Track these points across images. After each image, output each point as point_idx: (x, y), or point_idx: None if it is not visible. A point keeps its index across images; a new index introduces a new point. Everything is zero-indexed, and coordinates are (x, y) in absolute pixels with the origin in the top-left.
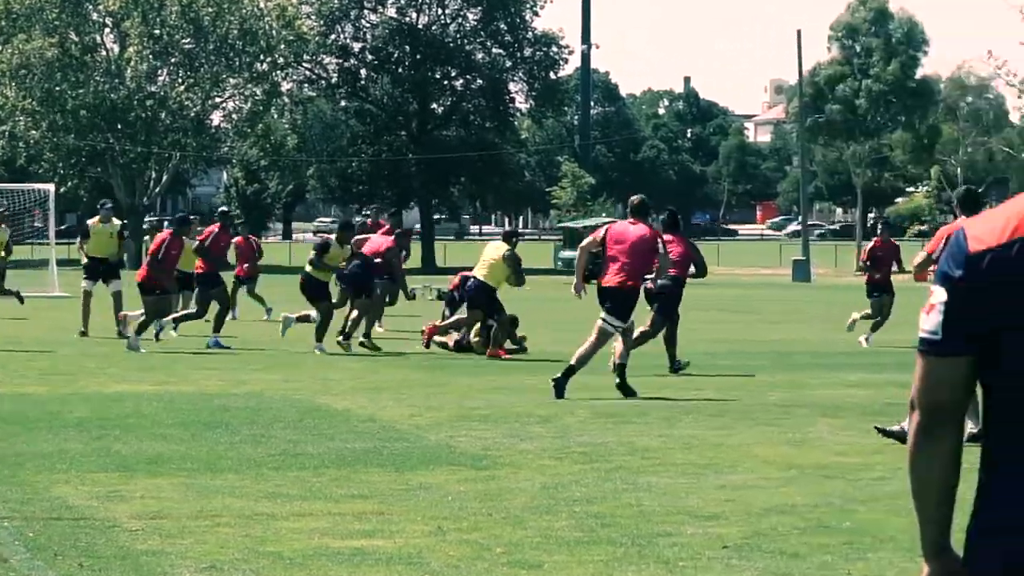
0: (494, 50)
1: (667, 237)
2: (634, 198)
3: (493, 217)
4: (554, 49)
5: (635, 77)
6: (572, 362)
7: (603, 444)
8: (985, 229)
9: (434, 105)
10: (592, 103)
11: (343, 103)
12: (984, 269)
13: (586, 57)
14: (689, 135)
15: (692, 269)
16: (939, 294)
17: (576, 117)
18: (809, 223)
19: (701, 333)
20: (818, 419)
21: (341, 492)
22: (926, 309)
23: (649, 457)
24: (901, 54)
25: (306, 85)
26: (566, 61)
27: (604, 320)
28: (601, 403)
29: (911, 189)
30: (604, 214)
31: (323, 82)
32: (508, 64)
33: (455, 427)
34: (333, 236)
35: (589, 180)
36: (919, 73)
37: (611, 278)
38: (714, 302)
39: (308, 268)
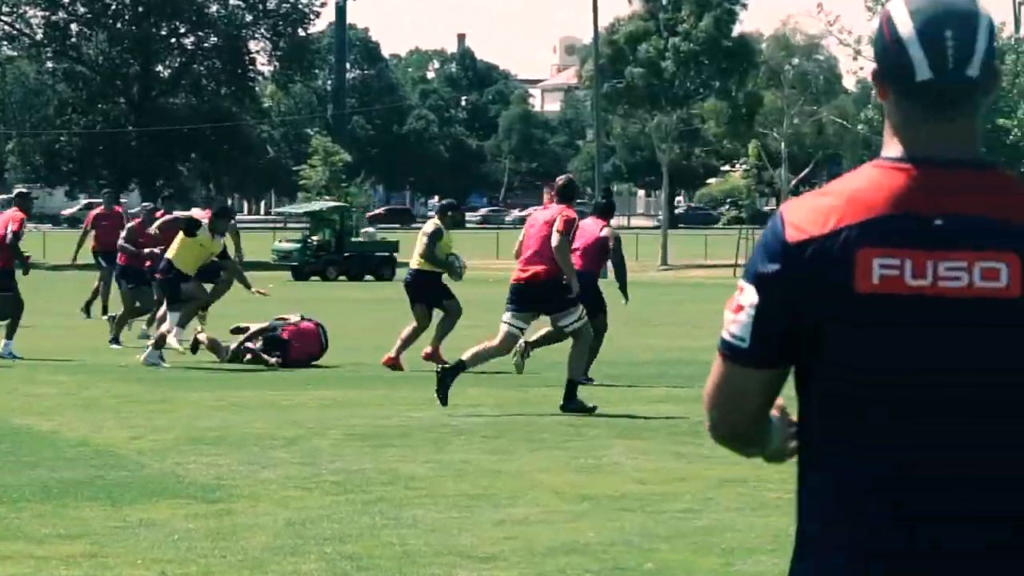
0: (231, 2)
1: (590, 222)
2: (560, 179)
3: (231, 200)
4: (303, 1)
5: (399, 35)
6: (463, 357)
7: (360, 471)
8: (806, 217)
9: (160, 67)
10: (348, 65)
11: (50, 64)
12: (806, 260)
13: (341, 10)
14: (464, 103)
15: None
16: (749, 293)
17: (329, 82)
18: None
19: (472, 340)
20: (614, 441)
21: (46, 531)
22: (733, 307)
23: (414, 487)
24: (715, 8)
25: (4, 43)
26: (317, 15)
27: (508, 324)
28: (358, 422)
29: (726, 168)
30: (361, 197)
31: (25, 39)
32: (248, 19)
33: (183, 452)
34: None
35: (344, 157)
36: (736, 30)
37: (515, 273)
38: (496, 302)
39: (171, 255)
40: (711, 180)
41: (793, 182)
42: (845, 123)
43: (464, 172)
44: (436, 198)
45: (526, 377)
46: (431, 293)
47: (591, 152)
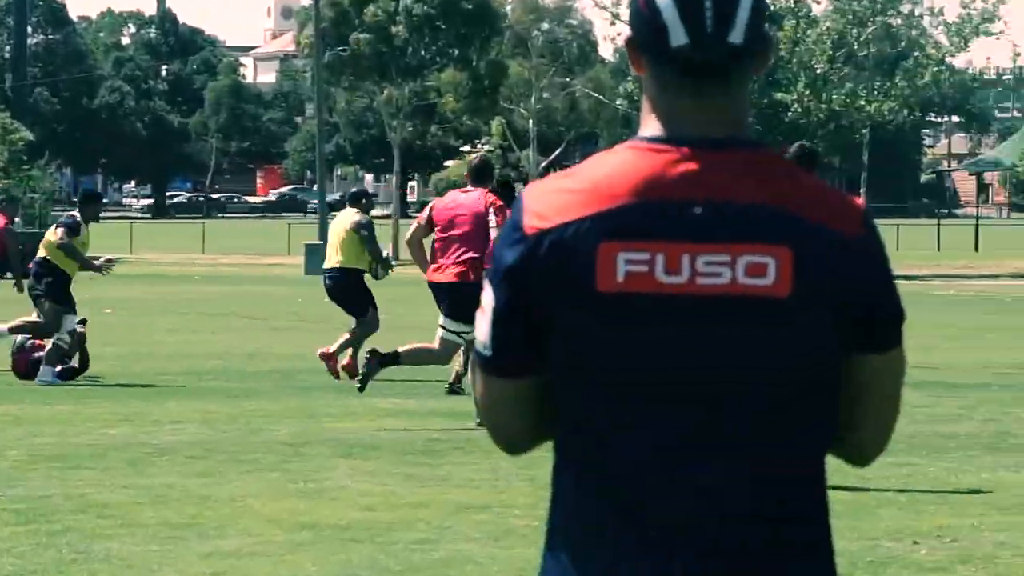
0: None
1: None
2: (474, 159)
3: None
4: None
5: None
6: (400, 349)
7: (45, 498)
8: (547, 203)
9: None
10: (30, 29)
11: None
12: (544, 253)
13: None
14: (164, 74)
15: None
16: (488, 293)
17: (8, 49)
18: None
19: (175, 345)
20: (338, 461)
21: None
22: (480, 310)
23: (108, 515)
24: None
25: None
26: None
27: (444, 328)
28: (43, 441)
29: (466, 148)
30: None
31: None
32: None
33: None
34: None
35: (26, 135)
36: None
37: (444, 271)
38: (197, 302)
39: (44, 252)
40: (449, 163)
41: (542, 164)
42: (601, 97)
43: (165, 152)
44: (132, 183)
45: (234, 390)
46: (356, 292)
47: (311, 130)
